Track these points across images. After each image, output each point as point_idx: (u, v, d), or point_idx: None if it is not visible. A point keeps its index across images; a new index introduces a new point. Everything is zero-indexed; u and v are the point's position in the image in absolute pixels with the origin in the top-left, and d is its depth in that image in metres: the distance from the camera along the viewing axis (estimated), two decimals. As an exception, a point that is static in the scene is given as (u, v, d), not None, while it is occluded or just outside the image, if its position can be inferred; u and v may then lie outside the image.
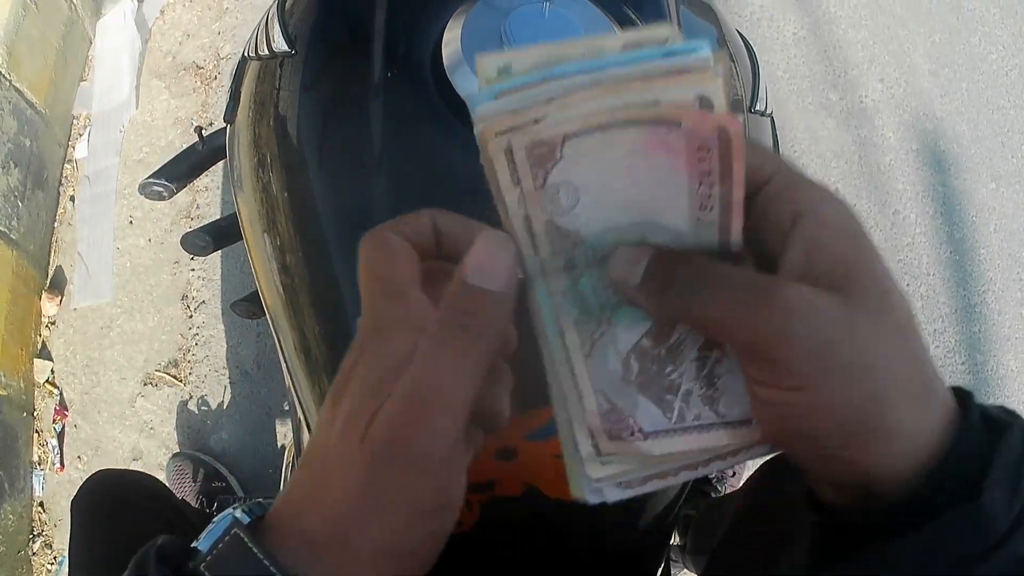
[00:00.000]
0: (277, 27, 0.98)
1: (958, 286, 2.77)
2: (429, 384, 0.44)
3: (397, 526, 0.45)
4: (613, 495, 0.50)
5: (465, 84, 0.83)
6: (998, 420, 0.45)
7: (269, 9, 1.04)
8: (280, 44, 0.97)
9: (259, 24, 1.05)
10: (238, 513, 0.48)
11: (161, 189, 1.17)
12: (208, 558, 0.46)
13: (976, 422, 0.44)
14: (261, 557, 0.45)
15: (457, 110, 0.83)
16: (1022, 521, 0.41)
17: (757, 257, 0.47)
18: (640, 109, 0.43)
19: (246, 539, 0.45)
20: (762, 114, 1.06)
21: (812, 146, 2.80)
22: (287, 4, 1.02)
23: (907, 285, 2.70)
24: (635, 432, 0.49)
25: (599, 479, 0.49)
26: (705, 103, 0.42)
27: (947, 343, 2.67)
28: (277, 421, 2.14)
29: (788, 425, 0.44)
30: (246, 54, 1.07)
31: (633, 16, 0.95)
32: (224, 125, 1.11)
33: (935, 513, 0.42)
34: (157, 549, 0.47)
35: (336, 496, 0.46)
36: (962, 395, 0.46)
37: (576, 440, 0.49)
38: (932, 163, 2.91)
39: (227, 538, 0.46)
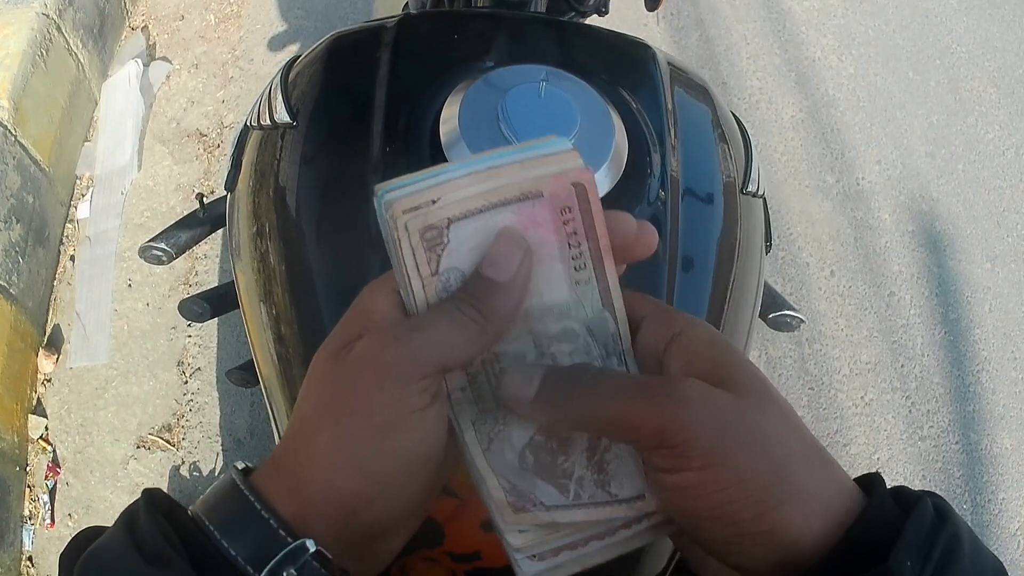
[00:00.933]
0: (280, 98, 1.00)
1: (952, 366, 2.77)
2: (419, 322, 0.48)
3: (348, 431, 0.47)
4: (529, 568, 0.51)
5: (460, 159, 0.83)
6: (910, 495, 0.46)
7: (272, 80, 1.05)
8: (282, 115, 0.98)
9: (262, 94, 1.06)
10: (238, 464, 0.51)
11: (160, 253, 1.18)
12: (204, 503, 0.48)
13: (884, 494, 0.46)
14: (247, 493, 0.47)
15: None
16: None
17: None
18: (508, 189, 0.50)
19: (237, 480, 0.48)
20: (754, 195, 1.07)
21: (808, 229, 2.82)
22: (290, 76, 1.04)
23: (901, 366, 2.70)
24: (536, 505, 0.51)
25: (517, 549, 0.51)
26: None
27: (941, 423, 2.66)
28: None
29: (701, 506, 0.46)
30: (248, 123, 1.08)
31: (628, 97, 0.97)
32: (225, 194, 1.12)
33: None
34: (146, 493, 0.48)
35: (303, 411, 0.50)
36: (869, 476, 0.48)
37: (493, 516, 0.51)
38: (928, 244, 2.93)
39: (224, 486, 0.49)
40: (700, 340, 0.49)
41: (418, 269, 0.50)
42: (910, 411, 2.65)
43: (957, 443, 2.66)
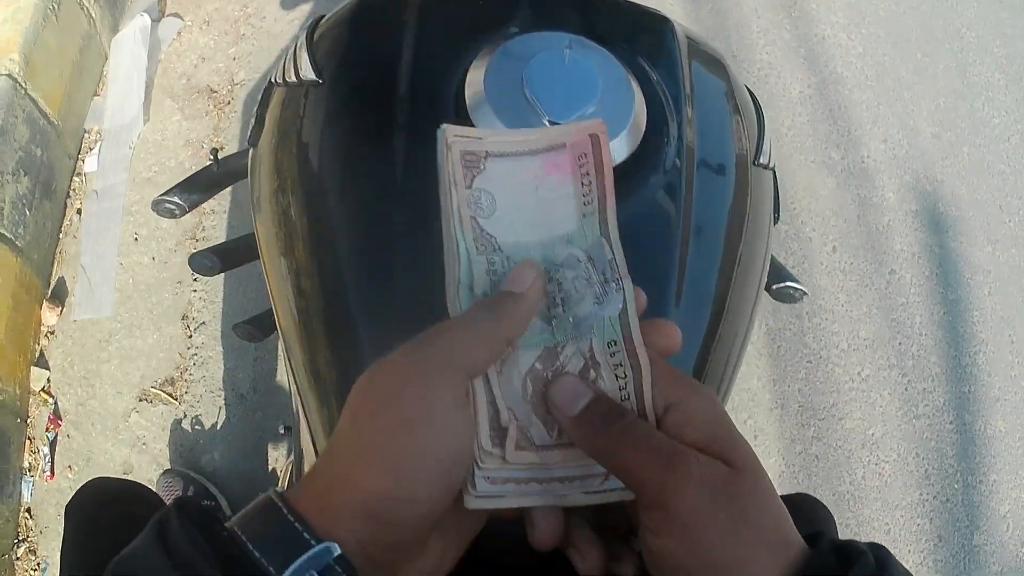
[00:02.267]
0: (305, 55, 1.00)
1: (950, 347, 2.79)
2: (440, 329, 0.54)
3: (385, 433, 0.50)
4: (483, 487, 0.56)
5: (486, 124, 0.85)
6: (855, 549, 0.51)
7: (298, 37, 1.06)
8: (307, 72, 0.99)
9: (287, 51, 1.07)
10: (279, 489, 0.52)
11: (173, 207, 1.19)
12: (239, 517, 0.50)
13: (826, 550, 0.51)
14: (285, 512, 0.49)
15: None
16: None
17: None
18: (539, 141, 0.62)
19: (276, 500, 0.50)
20: (765, 167, 1.08)
21: (812, 204, 2.83)
22: (316, 35, 1.04)
23: (899, 344, 2.72)
24: (532, 444, 0.57)
25: (484, 471, 0.56)
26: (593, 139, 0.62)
27: (936, 402, 2.68)
28: (270, 445, 2.15)
29: (669, 566, 0.51)
30: (273, 79, 1.08)
31: (646, 67, 0.98)
32: (238, 149, 1.12)
33: None
34: (178, 503, 0.50)
35: (343, 422, 0.52)
36: (814, 535, 0.52)
37: (475, 438, 0.56)
38: (930, 225, 2.94)
39: (259, 502, 0.50)
40: (701, 411, 0.54)
41: (454, 181, 0.60)
42: (906, 389, 2.67)
43: (951, 423, 2.68)
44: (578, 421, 0.55)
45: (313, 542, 0.47)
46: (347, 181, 0.92)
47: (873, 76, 3.16)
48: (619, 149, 0.87)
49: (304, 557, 0.47)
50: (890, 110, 3.11)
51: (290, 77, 1.02)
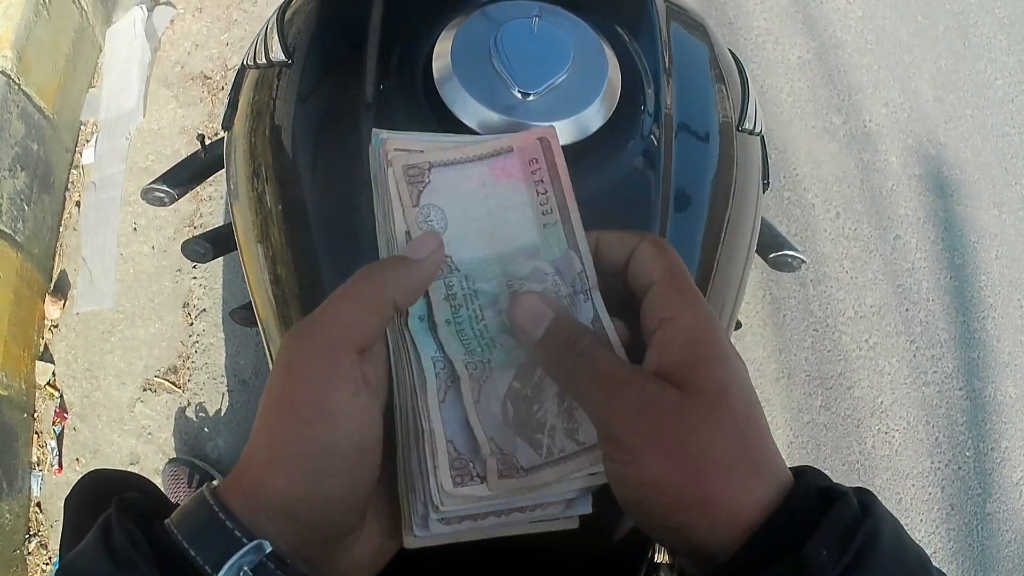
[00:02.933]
0: (276, 37, 0.99)
1: (958, 312, 2.77)
2: (320, 310, 0.52)
3: (282, 436, 0.50)
4: (436, 529, 0.55)
5: (454, 97, 0.84)
6: (837, 491, 0.49)
7: (268, 19, 1.05)
8: (278, 54, 0.98)
9: (259, 34, 1.06)
10: (214, 482, 0.52)
11: (163, 195, 1.18)
12: (177, 513, 0.50)
13: (808, 490, 0.49)
14: (217, 510, 0.48)
15: (447, 123, 0.84)
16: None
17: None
18: (484, 147, 0.60)
19: (209, 497, 0.49)
20: (751, 133, 1.07)
21: (814, 170, 2.81)
22: (286, 15, 1.03)
23: (906, 310, 2.70)
24: (519, 470, 0.54)
25: (439, 510, 0.54)
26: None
27: (945, 368, 2.67)
28: (273, 430, 2.15)
29: (631, 496, 0.51)
30: (245, 63, 1.08)
31: (622, 33, 0.96)
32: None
33: (762, 569, 0.46)
34: (119, 503, 0.50)
35: (257, 418, 0.51)
36: (799, 471, 0.52)
37: (431, 480, 0.54)
38: (934, 189, 2.92)
39: (195, 497, 0.50)
40: (683, 331, 0.52)
41: (400, 199, 0.58)
42: (914, 356, 2.66)
43: (961, 389, 2.67)
44: (541, 346, 0.55)
45: (245, 540, 0.47)
46: (319, 163, 0.91)
47: (873, 39, 3.13)
48: (593, 117, 0.85)
49: (237, 555, 0.46)
50: (891, 74, 3.09)
51: (260, 59, 1.02)
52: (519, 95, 0.82)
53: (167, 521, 0.49)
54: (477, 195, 0.60)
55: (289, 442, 0.49)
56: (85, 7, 2.53)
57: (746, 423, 0.50)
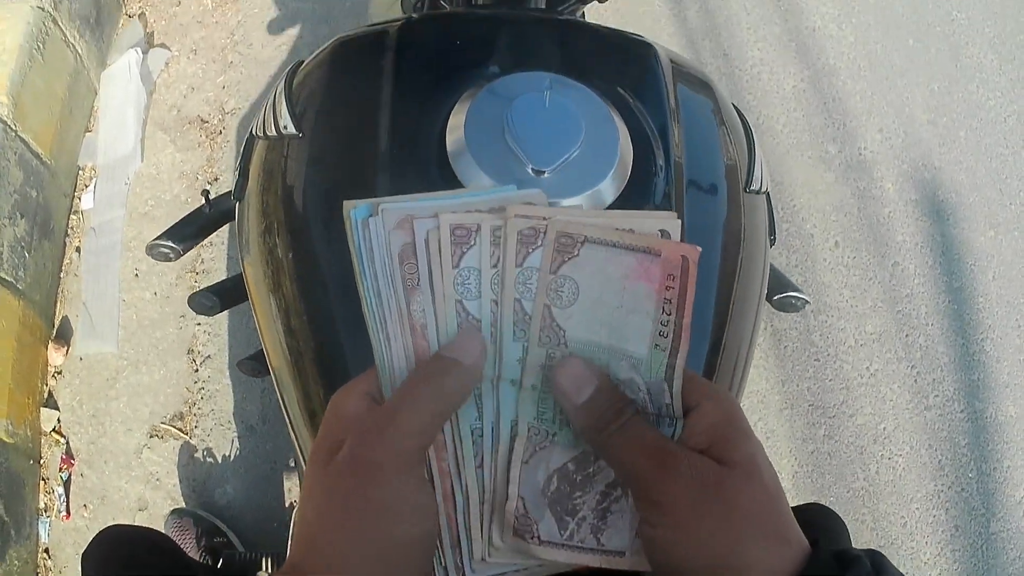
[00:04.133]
0: (284, 107, 1.00)
1: (957, 335, 2.78)
2: (388, 413, 0.54)
3: (358, 530, 0.52)
4: (480, 569, 0.58)
5: (468, 173, 0.84)
6: (851, 555, 0.53)
7: (276, 87, 1.05)
8: (287, 125, 0.98)
9: (266, 103, 1.06)
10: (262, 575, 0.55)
11: (168, 251, 1.18)
12: None
13: (825, 556, 0.53)
14: None
15: None
16: None
17: None
18: (630, 235, 0.59)
19: None
20: (757, 193, 1.07)
21: (811, 200, 2.82)
22: (294, 83, 1.04)
23: (906, 336, 2.71)
24: (534, 537, 0.58)
25: (474, 559, 0.58)
26: (665, 235, 0.60)
27: (946, 391, 2.68)
28: (283, 475, 2.15)
29: (670, 560, 0.53)
30: (253, 132, 1.08)
31: (630, 97, 0.97)
32: (232, 182, 1.12)
33: None
34: None
35: (308, 519, 0.54)
36: (815, 540, 0.55)
37: (473, 523, 0.58)
38: (931, 213, 2.93)
39: None
40: (708, 415, 0.56)
41: (545, 266, 0.59)
42: (915, 380, 2.66)
43: (962, 411, 2.68)
44: (581, 412, 0.57)
45: None
46: (332, 223, 0.91)
47: (866, 65, 3.14)
48: (607, 190, 0.86)
49: None
50: (884, 99, 3.10)
51: (270, 130, 1.02)
52: (532, 172, 0.83)
53: None
54: (616, 285, 0.60)
55: (374, 540, 0.51)
56: (80, 50, 2.53)
57: (776, 492, 0.54)
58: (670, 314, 0.59)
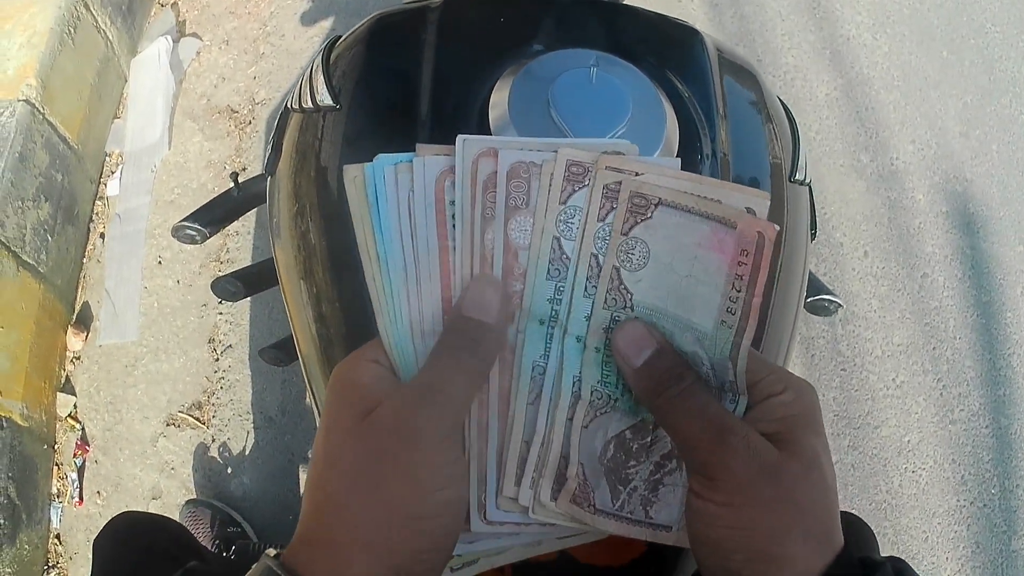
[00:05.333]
0: (321, 80, 0.98)
1: (984, 349, 2.75)
2: (432, 380, 0.54)
3: (392, 494, 0.50)
4: (496, 515, 0.58)
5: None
6: (875, 561, 0.53)
7: (313, 60, 1.04)
8: (324, 97, 0.96)
9: (303, 76, 1.05)
10: (270, 551, 0.54)
11: (194, 233, 1.17)
12: None
13: (851, 559, 0.52)
14: (281, 574, 0.50)
15: None
16: None
17: None
18: (710, 203, 0.58)
19: (275, 568, 0.51)
20: (801, 183, 1.05)
21: (842, 208, 2.80)
22: (332, 57, 1.02)
23: (933, 348, 2.68)
24: (590, 505, 0.58)
25: (500, 509, 0.58)
26: (750, 211, 0.58)
27: (971, 406, 2.65)
28: (300, 467, 2.14)
29: (711, 534, 0.53)
30: (289, 106, 1.07)
31: (677, 82, 0.94)
32: (259, 173, 1.11)
33: None
34: (185, 574, 0.51)
35: (331, 486, 0.52)
36: (845, 542, 0.54)
37: (530, 473, 0.58)
38: (961, 226, 2.90)
39: (259, 570, 0.51)
40: (786, 404, 0.56)
41: (615, 228, 0.58)
42: (941, 394, 2.63)
43: (987, 427, 2.65)
44: (640, 374, 0.56)
45: None
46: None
47: (899, 76, 3.12)
48: None
49: None
50: (917, 110, 3.07)
51: (306, 103, 1.00)
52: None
53: None
54: (688, 253, 0.58)
55: (410, 504, 0.51)
56: (111, 37, 2.54)
57: (831, 492, 0.54)
58: (740, 291, 0.57)
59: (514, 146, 0.60)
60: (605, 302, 0.58)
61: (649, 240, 0.58)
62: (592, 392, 0.58)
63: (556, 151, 0.60)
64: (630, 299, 0.58)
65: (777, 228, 0.58)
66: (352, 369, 0.56)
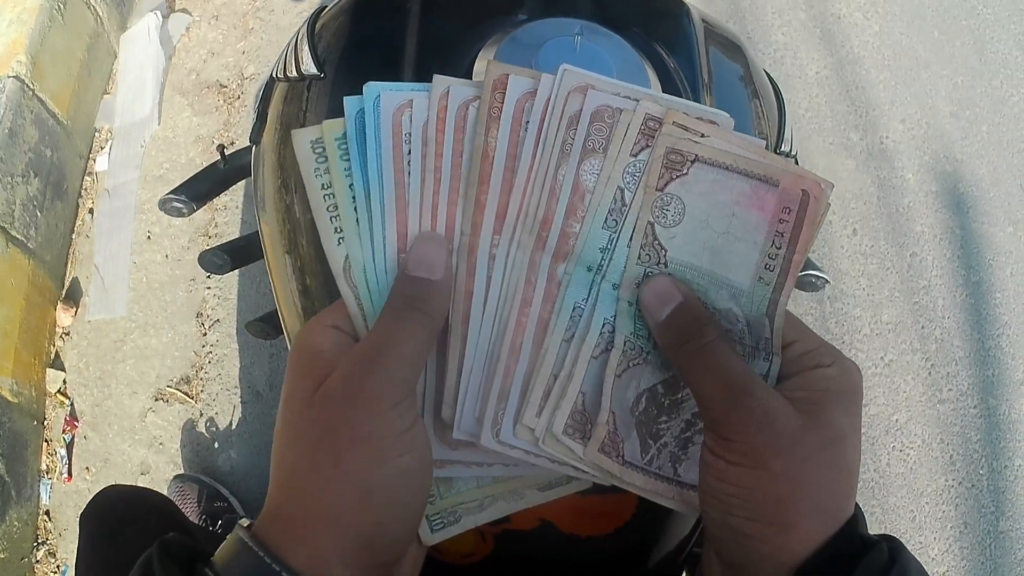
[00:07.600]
0: (306, 49, 0.98)
1: (973, 329, 2.76)
2: (380, 343, 0.53)
3: (354, 464, 0.50)
4: (508, 439, 0.58)
5: None
6: (870, 539, 0.53)
7: (299, 30, 1.04)
8: (309, 66, 0.96)
9: (288, 45, 1.05)
10: (243, 522, 0.53)
11: (181, 206, 1.17)
12: (219, 555, 0.50)
13: (853, 535, 0.52)
14: (268, 560, 0.48)
15: None
16: None
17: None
18: (750, 161, 0.58)
19: (245, 538, 0.50)
20: (787, 155, 1.05)
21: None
22: (317, 27, 1.02)
23: (922, 328, 2.69)
24: (619, 456, 0.57)
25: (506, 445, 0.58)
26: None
27: (960, 386, 2.66)
28: (287, 442, 2.13)
29: (718, 488, 0.52)
30: (274, 75, 1.06)
31: (662, 52, 0.94)
32: (247, 145, 1.11)
33: None
34: (161, 545, 0.50)
35: (292, 461, 0.52)
36: (854, 518, 0.54)
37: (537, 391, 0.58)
38: (951, 206, 2.91)
39: (234, 543, 0.50)
40: (828, 378, 0.55)
41: (646, 183, 0.59)
42: (930, 373, 2.64)
43: (975, 407, 2.65)
44: (663, 327, 0.56)
45: None
46: None
47: (890, 55, 3.12)
48: None
49: None
50: (908, 90, 3.07)
51: (291, 72, 1.00)
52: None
53: (213, 565, 0.49)
54: (725, 210, 0.59)
55: (369, 472, 0.50)
56: (100, 13, 2.52)
57: (851, 470, 0.53)
58: (780, 247, 0.58)
59: (607, 88, 0.61)
60: (639, 258, 0.58)
61: (685, 197, 0.58)
62: (625, 342, 0.58)
63: (639, 100, 0.60)
64: (664, 255, 0.58)
65: (822, 186, 0.58)
66: (310, 335, 0.56)
